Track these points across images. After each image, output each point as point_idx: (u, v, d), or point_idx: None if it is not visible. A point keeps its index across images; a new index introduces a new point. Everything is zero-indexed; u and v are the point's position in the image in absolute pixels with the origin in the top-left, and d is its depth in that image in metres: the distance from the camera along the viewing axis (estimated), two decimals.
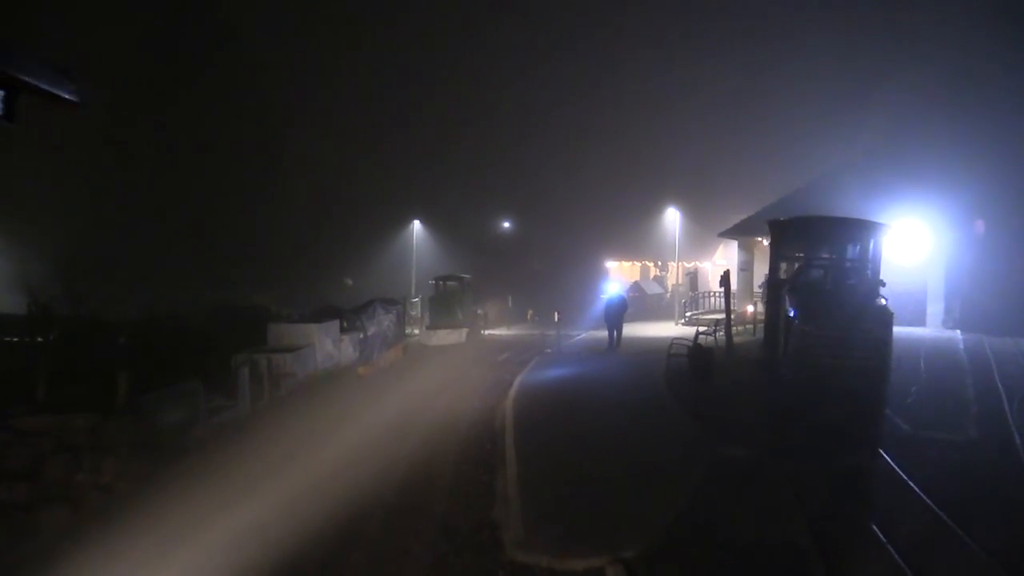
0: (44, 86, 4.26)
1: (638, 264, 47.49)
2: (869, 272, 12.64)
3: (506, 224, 50.44)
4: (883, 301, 11.79)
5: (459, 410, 12.96)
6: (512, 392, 14.04)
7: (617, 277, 37.55)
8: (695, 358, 13.18)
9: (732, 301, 29.70)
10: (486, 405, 13.32)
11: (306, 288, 40.07)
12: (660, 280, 39.81)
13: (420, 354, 22.29)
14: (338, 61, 58.91)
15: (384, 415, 12.11)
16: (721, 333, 20.27)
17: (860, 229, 12.98)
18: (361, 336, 17.33)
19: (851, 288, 11.84)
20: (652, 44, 65.08)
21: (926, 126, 29.88)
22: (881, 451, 9.13)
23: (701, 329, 21.49)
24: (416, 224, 37.20)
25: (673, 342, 18.03)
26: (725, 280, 18.56)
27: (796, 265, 13.16)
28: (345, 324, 17.26)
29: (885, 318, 11.23)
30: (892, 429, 10.28)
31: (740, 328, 22.98)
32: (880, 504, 7.41)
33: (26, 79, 4.13)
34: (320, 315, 17.93)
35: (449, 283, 27.30)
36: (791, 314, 11.32)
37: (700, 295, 30.00)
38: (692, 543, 6.47)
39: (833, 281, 12.04)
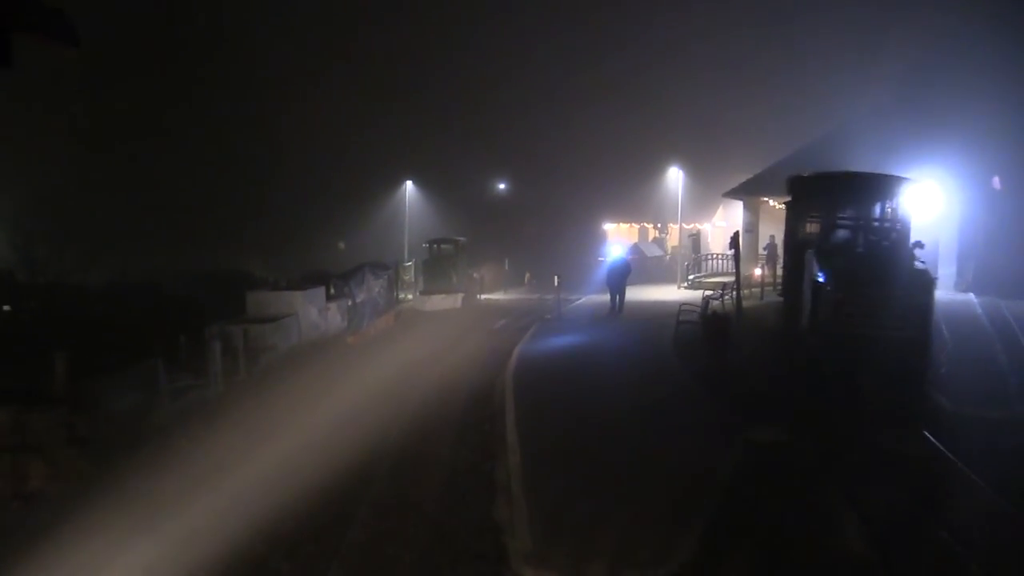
0: (38, 26, 3.97)
1: (636, 226, 46.19)
2: (898, 232, 11.49)
3: (502, 185, 48.91)
4: (921, 264, 10.64)
5: (454, 386, 11.86)
6: (511, 364, 12.93)
7: (618, 239, 36.31)
8: (711, 327, 12.05)
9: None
10: (483, 379, 12.21)
11: (298, 252, 38.73)
12: (659, 242, 38.55)
13: (413, 321, 21.14)
14: (329, 19, 56.54)
15: (371, 392, 10.98)
16: (729, 297, 19.16)
17: (889, 185, 11.77)
18: (349, 303, 16.11)
19: (886, 250, 10.66)
20: None
21: (939, 79, 28.41)
22: (927, 433, 8.06)
23: (707, 293, 20.40)
24: (408, 185, 35.48)
25: (682, 307, 16.95)
26: (735, 242, 17.36)
27: (819, 225, 11.96)
28: (332, 291, 16.03)
29: (925, 283, 10.07)
30: (932, 406, 9.21)
31: (746, 292, 21.87)
32: (944, 501, 6.34)
33: (18, 18, 3.85)
34: (306, 281, 16.73)
35: (443, 246, 26.03)
36: (820, 279, 10.15)
37: (702, 257, 28.84)
38: (730, 556, 5.40)
39: (865, 243, 10.85)
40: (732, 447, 7.54)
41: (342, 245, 47.21)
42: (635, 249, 36.29)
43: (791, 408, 8.98)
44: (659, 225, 40.73)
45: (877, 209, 11.88)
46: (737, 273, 17.41)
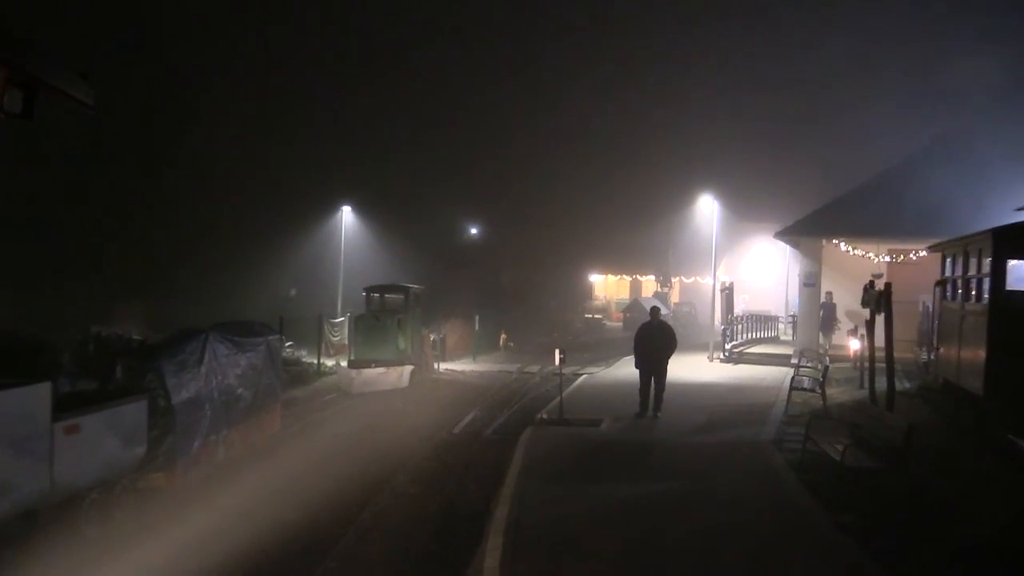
0: (62, 88, 4.07)
1: (627, 278, 38.28)
2: None
3: (473, 230, 40.69)
4: None
5: None
6: None
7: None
8: None
9: (786, 328, 20.12)
10: None
11: (240, 299, 30.08)
12: (662, 297, 30.43)
13: (321, 417, 12.47)
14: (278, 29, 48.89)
15: None
16: (819, 386, 11.00)
17: None
18: (162, 404, 7.60)
19: None
20: (656, 32, 56.82)
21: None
22: None
23: (796, 378, 12.30)
24: (346, 212, 26.41)
25: (810, 434, 8.66)
26: (884, 296, 9.23)
27: None
28: (121, 378, 7.50)
29: None
30: None
31: (839, 367, 13.86)
32: None
33: (47, 81, 3.94)
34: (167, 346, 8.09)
35: (388, 296, 17.52)
36: None
37: (736, 320, 20.78)
38: None
39: None
40: None
41: (294, 292, 38.63)
42: (635, 306, 28.41)
43: None
44: (660, 277, 32.61)
45: None
46: (889, 355, 9.19)
